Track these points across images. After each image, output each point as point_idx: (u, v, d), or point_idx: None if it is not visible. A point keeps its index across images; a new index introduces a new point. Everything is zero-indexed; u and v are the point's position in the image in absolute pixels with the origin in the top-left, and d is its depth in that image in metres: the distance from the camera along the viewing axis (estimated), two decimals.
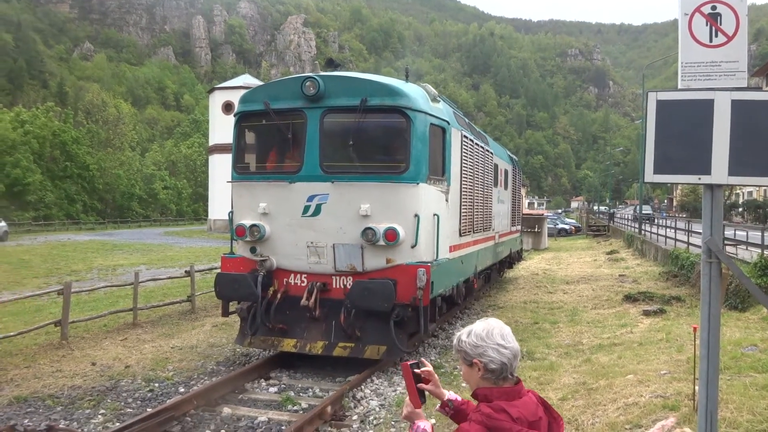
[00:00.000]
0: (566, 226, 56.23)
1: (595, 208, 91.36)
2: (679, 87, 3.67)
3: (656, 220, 35.40)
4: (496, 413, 2.04)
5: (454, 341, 2.27)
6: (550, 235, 43.17)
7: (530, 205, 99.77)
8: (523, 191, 25.30)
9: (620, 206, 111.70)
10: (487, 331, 2.17)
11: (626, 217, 45.82)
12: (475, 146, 11.31)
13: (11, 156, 55.52)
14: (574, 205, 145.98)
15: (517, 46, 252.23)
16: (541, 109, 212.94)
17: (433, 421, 2.39)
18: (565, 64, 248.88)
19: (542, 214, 44.73)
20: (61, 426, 6.44)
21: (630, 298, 13.49)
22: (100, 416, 6.88)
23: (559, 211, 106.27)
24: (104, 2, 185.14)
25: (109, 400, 7.41)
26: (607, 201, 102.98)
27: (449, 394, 2.43)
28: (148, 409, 6.88)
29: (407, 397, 2.36)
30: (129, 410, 7.10)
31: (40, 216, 56.94)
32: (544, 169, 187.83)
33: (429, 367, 2.35)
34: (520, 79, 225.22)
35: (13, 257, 27.58)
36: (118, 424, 6.40)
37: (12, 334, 10.12)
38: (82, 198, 65.38)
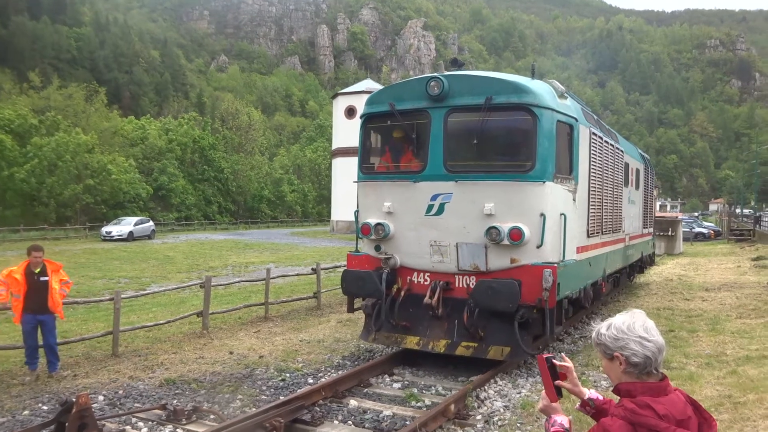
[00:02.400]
0: (704, 230, 52.13)
1: (738, 210, 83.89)
2: None
3: None
4: (641, 409, 1.96)
5: (593, 335, 2.21)
6: (685, 240, 40.21)
7: (662, 207, 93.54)
8: (655, 192, 23.79)
9: None
10: (628, 324, 2.10)
11: None
12: (605, 144, 10.84)
13: (159, 162, 60.85)
14: (712, 207, 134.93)
15: (648, 40, 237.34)
16: (675, 105, 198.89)
17: (570, 416, 2.34)
18: (703, 57, 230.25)
19: (677, 217, 41.82)
20: (204, 407, 6.97)
21: None
22: (238, 401, 7.37)
23: (696, 214, 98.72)
24: (238, 17, 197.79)
25: (245, 387, 7.92)
26: (753, 203, 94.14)
27: (590, 393, 2.37)
28: (281, 397, 7.26)
29: (543, 391, 2.34)
30: (263, 397, 7.54)
31: (182, 216, 61.78)
32: (678, 169, 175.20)
33: (568, 363, 2.31)
34: (651, 74, 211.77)
35: (160, 254, 30.21)
36: (254, 409, 6.82)
37: (162, 322, 11.13)
38: (218, 200, 70.17)
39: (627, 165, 13.43)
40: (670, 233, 34.33)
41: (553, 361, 2.33)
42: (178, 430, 6.38)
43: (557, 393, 2.32)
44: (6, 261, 25.77)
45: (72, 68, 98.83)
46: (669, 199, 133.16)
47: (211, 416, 6.70)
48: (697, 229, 51.26)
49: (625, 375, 2.09)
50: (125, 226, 41.75)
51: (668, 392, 2.04)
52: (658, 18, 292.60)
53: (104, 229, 41.59)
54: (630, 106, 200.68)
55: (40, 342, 8.55)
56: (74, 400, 6.03)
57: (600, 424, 2.04)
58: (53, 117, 51.66)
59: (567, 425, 2.25)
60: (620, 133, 14.51)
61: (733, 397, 6.57)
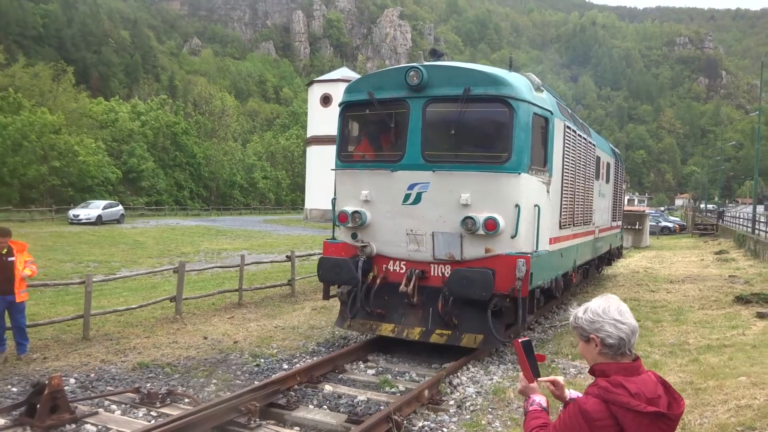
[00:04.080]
0: (670, 224, 53.48)
1: (702, 206, 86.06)
2: None
3: None
4: (614, 387, 2.07)
5: (571, 318, 2.32)
6: (652, 233, 41.20)
7: (630, 201, 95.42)
8: (624, 186, 24.29)
9: (730, 204, 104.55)
10: (603, 308, 2.21)
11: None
12: (578, 137, 11.05)
13: (128, 145, 59.74)
14: (678, 202, 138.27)
15: (620, 36, 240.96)
16: (645, 101, 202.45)
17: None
18: (673, 54, 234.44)
19: (644, 211, 42.76)
20: (179, 391, 6.98)
21: (742, 300, 12.72)
22: (212, 385, 7.39)
23: (662, 208, 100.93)
24: None
25: (220, 371, 7.94)
26: (716, 199, 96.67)
27: (570, 393, 2.48)
28: (256, 382, 7.29)
29: (521, 373, 2.45)
30: (238, 381, 7.57)
31: (152, 201, 60.81)
32: (647, 164, 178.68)
33: (554, 377, 2.43)
34: (623, 70, 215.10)
35: (129, 239, 29.77)
36: (229, 393, 6.85)
37: (134, 306, 11.05)
38: (190, 185, 69.16)
39: (598, 159, 13.70)
40: (637, 227, 35.11)
41: (536, 353, 2.45)
42: (152, 413, 6.38)
43: (534, 374, 2.43)
44: None
45: (38, 46, 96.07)
46: (637, 194, 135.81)
47: (186, 400, 6.71)
48: (663, 224, 52.55)
49: (600, 356, 2.20)
50: (93, 209, 40.92)
51: (640, 372, 2.16)
52: (630, 14, 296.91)
53: (71, 212, 40.70)
54: (601, 101, 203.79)
55: (8, 325, 8.43)
56: (46, 381, 6.00)
57: (575, 402, 2.15)
58: (15, 96, 50.10)
59: (545, 404, 2.37)
60: (592, 128, 14.79)
61: (695, 383, 6.84)
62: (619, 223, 19.38)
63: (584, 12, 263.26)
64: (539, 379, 2.43)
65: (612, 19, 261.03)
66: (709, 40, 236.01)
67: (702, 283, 16.93)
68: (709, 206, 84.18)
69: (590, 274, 15.65)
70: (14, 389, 7.08)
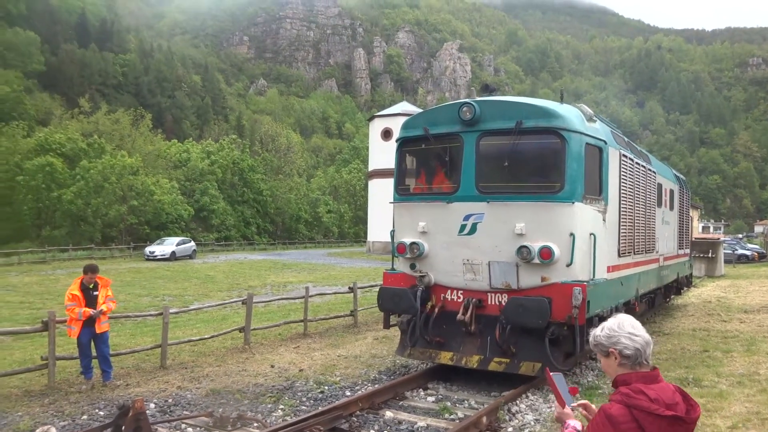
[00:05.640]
0: (747, 252, 50.86)
1: None
2: None
3: None
4: (635, 394, 2.30)
5: (590, 338, 2.57)
6: (727, 262, 39.34)
7: (705, 229, 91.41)
8: (694, 213, 23.52)
9: None
10: (618, 323, 2.47)
11: None
12: (636, 165, 11.03)
13: (200, 184, 62.57)
14: (758, 229, 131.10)
15: (688, 59, 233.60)
16: (717, 124, 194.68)
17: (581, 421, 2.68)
18: (746, 75, 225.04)
19: (718, 238, 41.00)
20: (248, 416, 7.39)
21: None
22: (279, 410, 7.77)
23: (740, 235, 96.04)
24: (277, 42, 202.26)
25: (286, 398, 8.32)
26: None
27: None
28: (320, 408, 7.63)
29: (556, 401, 2.69)
30: (303, 407, 7.92)
31: (222, 237, 63.19)
32: (721, 190, 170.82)
33: (585, 401, 2.66)
34: (692, 93, 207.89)
35: (201, 273, 31.07)
36: (295, 418, 7.20)
37: (206, 337, 11.69)
38: (257, 221, 71.52)
39: (660, 186, 13.53)
40: (710, 255, 33.71)
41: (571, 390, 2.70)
42: None
43: (567, 402, 2.65)
44: (56, 279, 26.95)
45: (117, 93, 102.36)
46: (712, 221, 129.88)
47: (255, 424, 7.11)
48: (740, 251, 50.03)
49: (620, 368, 2.44)
50: (168, 246, 42.99)
51: (659, 380, 2.38)
52: (698, 36, 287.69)
53: (148, 249, 42.90)
54: (670, 125, 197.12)
55: (94, 354, 9.15)
56: (131, 405, 6.53)
57: (601, 409, 2.38)
58: (98, 141, 53.80)
59: (579, 428, 2.59)
60: (660, 154, 14.74)
61: (761, 413, 6.68)
62: (687, 251, 18.81)
63: (649, 36, 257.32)
64: (572, 405, 2.65)
65: (679, 43, 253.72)
66: None
67: None
68: None
69: (657, 303, 15.29)
70: (101, 413, 7.68)
